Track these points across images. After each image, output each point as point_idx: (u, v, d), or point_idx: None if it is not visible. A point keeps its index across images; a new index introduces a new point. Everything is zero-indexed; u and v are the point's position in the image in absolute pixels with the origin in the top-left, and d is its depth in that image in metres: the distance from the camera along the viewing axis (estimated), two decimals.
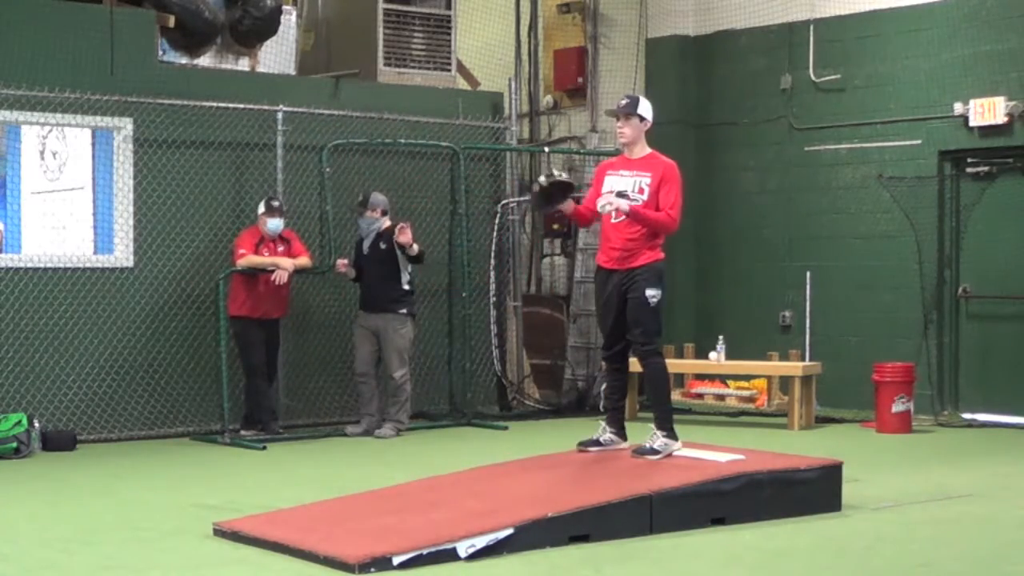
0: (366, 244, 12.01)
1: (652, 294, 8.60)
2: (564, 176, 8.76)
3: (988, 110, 12.48)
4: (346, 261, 12.01)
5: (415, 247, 11.76)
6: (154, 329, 11.90)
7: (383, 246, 11.90)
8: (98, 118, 11.70)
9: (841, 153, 13.60)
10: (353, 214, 12.43)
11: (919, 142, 13.04)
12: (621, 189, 8.55)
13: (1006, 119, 12.40)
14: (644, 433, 8.78)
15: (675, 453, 8.49)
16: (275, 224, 11.69)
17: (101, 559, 7.01)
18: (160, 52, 12.20)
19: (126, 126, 11.80)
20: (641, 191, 8.54)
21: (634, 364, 13.60)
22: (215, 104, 12.02)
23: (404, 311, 11.93)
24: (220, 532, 7.46)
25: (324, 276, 12.46)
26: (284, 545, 7.01)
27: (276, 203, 11.76)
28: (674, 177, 8.62)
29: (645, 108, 8.71)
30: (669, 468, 8.19)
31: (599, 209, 8.64)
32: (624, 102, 8.74)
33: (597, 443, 8.79)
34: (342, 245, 12.37)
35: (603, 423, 8.93)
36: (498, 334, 13.64)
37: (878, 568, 6.88)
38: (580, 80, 15.08)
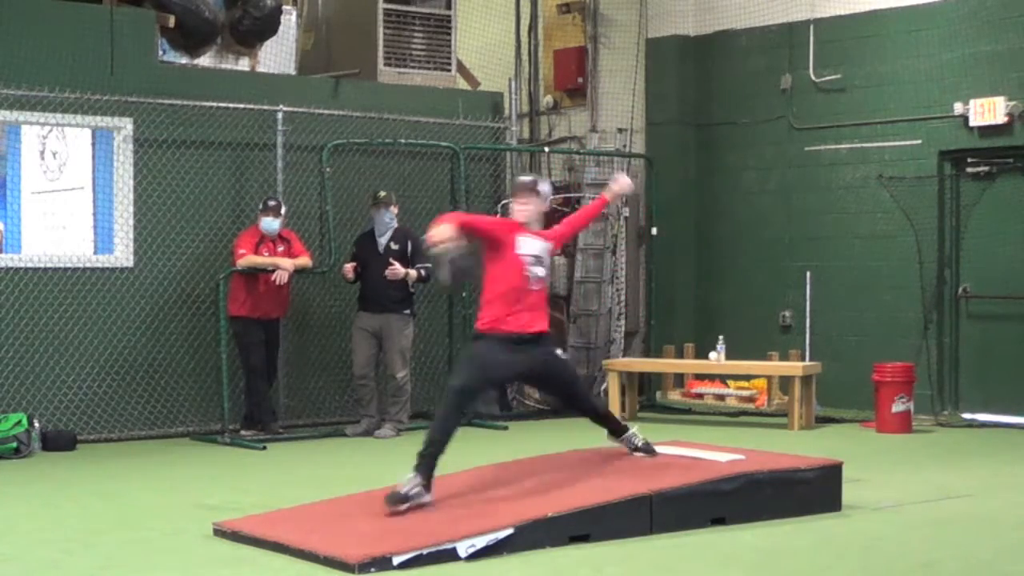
0: (381, 242, 11.97)
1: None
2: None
3: (988, 110, 12.47)
4: (352, 265, 11.96)
5: (411, 273, 11.79)
6: (154, 329, 11.90)
7: (395, 246, 11.89)
8: (98, 118, 11.70)
9: (841, 153, 13.60)
10: (354, 212, 12.45)
11: (919, 142, 13.04)
12: (536, 253, 8.07)
13: (1006, 119, 12.40)
14: (642, 431, 8.77)
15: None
16: (268, 223, 11.67)
17: (101, 559, 7.02)
18: (160, 52, 12.21)
19: (126, 126, 11.80)
20: (550, 253, 8.25)
21: (630, 364, 13.65)
22: (215, 104, 12.02)
23: (407, 311, 11.94)
24: (220, 532, 7.46)
25: (324, 276, 12.46)
26: (284, 545, 7.01)
27: (272, 203, 11.74)
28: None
29: (545, 187, 8.34)
30: (669, 468, 8.19)
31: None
32: (528, 179, 8.43)
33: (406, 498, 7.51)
34: (342, 245, 12.37)
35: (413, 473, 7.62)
36: None
37: (878, 568, 6.88)
38: (580, 80, 15.08)
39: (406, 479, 7.51)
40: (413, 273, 11.80)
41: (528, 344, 7.91)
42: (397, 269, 11.76)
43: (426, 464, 7.56)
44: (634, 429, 8.64)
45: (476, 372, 7.90)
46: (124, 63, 11.70)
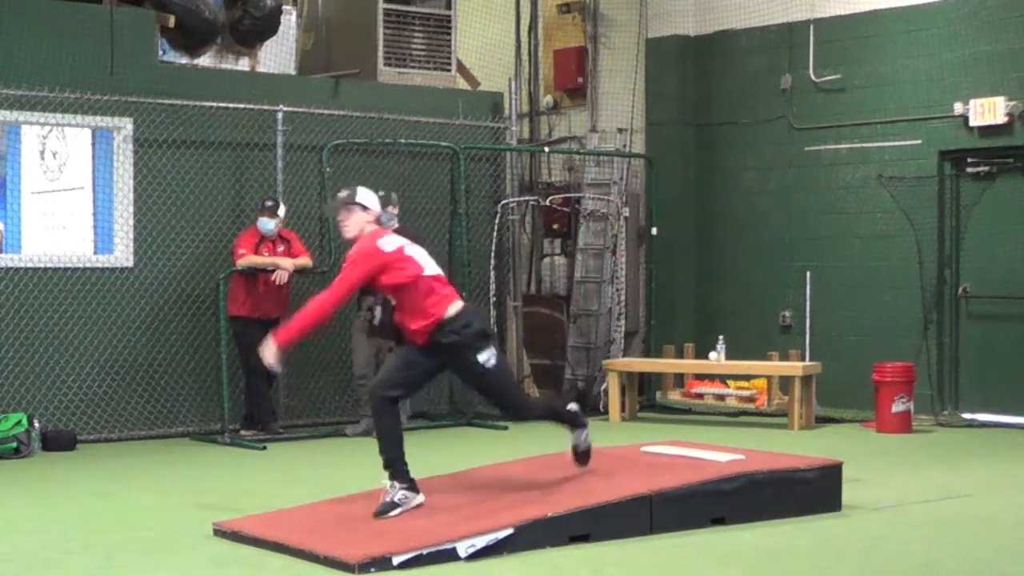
0: None
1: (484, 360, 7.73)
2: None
3: (988, 110, 12.47)
4: None
5: None
6: (154, 329, 11.90)
7: None
8: (98, 118, 11.70)
9: (841, 153, 13.60)
10: None
11: (919, 142, 13.04)
12: None
13: (1006, 119, 12.40)
14: (640, 434, 8.78)
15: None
16: (264, 223, 11.66)
17: (101, 559, 7.02)
18: (160, 52, 12.21)
19: (126, 126, 11.81)
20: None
21: (630, 364, 13.65)
22: (215, 104, 12.02)
23: None
24: (220, 532, 7.46)
25: (324, 276, 12.44)
26: (284, 545, 7.01)
27: (269, 203, 11.74)
28: (351, 257, 7.80)
29: (365, 197, 8.01)
30: (669, 468, 8.19)
31: None
32: (343, 194, 8.03)
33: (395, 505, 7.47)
34: (342, 245, 12.32)
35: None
36: (498, 334, 13.64)
37: (878, 568, 6.88)
38: (580, 80, 15.08)
39: (387, 488, 7.50)
40: None
41: (428, 350, 7.65)
42: None
43: (396, 470, 7.53)
44: (587, 431, 8.14)
45: (390, 373, 7.85)
46: (124, 63, 11.70)
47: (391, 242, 7.86)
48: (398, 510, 7.42)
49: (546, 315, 14.47)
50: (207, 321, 11.93)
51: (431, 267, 7.82)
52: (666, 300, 14.44)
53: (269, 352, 7.65)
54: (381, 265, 7.68)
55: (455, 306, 7.70)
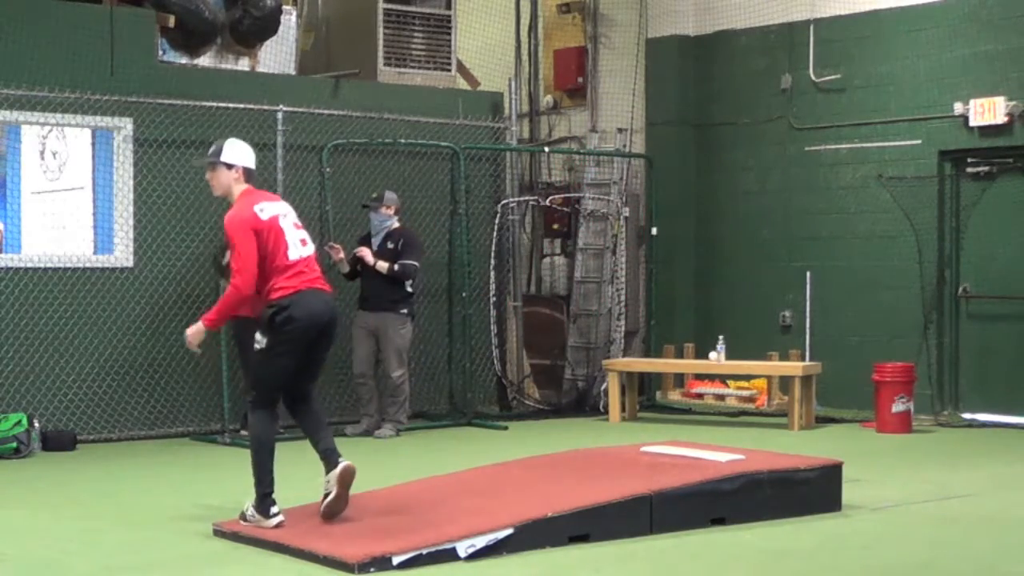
0: (375, 242, 12.00)
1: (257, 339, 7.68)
2: None
3: (988, 110, 12.48)
4: (339, 246, 11.94)
5: (381, 264, 11.74)
6: (154, 329, 11.90)
7: (390, 246, 11.89)
8: (98, 118, 11.71)
9: (841, 153, 13.60)
10: (354, 212, 12.45)
11: (919, 142, 13.04)
12: None
13: (1006, 119, 12.40)
14: (640, 434, 8.78)
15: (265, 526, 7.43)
16: None
17: (101, 559, 7.01)
18: (160, 52, 12.21)
19: (126, 126, 11.81)
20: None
21: (630, 364, 13.64)
22: (215, 104, 12.02)
23: (405, 311, 11.94)
24: (220, 532, 7.46)
25: (324, 275, 12.43)
26: (284, 545, 7.02)
27: None
28: (231, 232, 7.48)
29: (231, 153, 7.63)
30: (669, 468, 8.19)
31: None
32: (210, 150, 7.70)
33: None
34: (343, 245, 12.36)
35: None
36: (498, 334, 13.65)
37: (878, 568, 6.88)
38: (580, 80, 15.09)
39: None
40: (384, 264, 11.75)
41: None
42: (365, 252, 11.79)
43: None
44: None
45: None
46: (124, 63, 11.70)
47: (269, 208, 7.56)
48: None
49: (546, 315, 14.48)
50: None
51: (295, 251, 7.63)
52: (666, 300, 14.44)
53: (195, 333, 7.58)
54: (257, 231, 7.42)
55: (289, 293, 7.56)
